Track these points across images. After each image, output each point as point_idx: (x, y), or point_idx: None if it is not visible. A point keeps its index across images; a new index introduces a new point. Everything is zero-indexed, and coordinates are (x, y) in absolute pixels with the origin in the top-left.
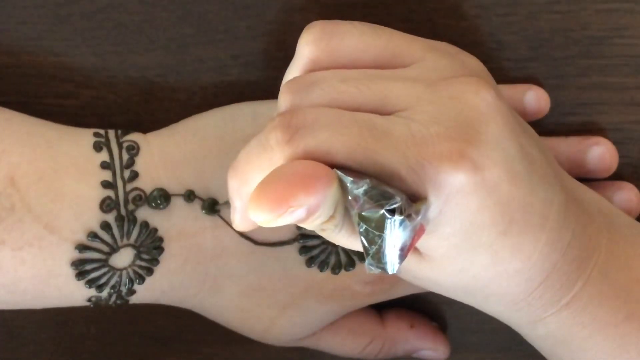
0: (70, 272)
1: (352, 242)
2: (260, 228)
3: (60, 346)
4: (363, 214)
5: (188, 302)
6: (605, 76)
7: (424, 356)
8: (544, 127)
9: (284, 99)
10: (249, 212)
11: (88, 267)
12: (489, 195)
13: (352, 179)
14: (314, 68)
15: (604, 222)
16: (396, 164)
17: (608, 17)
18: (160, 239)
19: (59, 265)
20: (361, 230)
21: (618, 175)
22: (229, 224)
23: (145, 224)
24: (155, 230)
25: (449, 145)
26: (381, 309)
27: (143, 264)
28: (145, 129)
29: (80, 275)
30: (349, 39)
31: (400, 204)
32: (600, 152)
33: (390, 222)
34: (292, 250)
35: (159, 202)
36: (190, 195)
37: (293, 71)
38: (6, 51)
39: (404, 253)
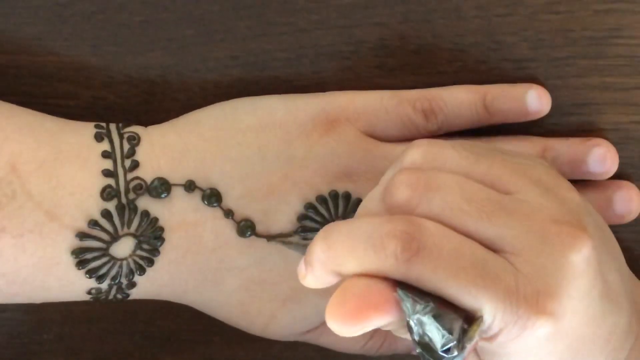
0: (71, 261)
1: (402, 334)
2: (262, 221)
3: (60, 346)
4: (420, 340)
5: (188, 296)
6: (605, 76)
7: None
8: (544, 127)
9: (403, 190)
10: (327, 320)
11: (88, 255)
12: (561, 340)
13: (414, 299)
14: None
15: None
16: (491, 313)
17: (608, 17)
18: (161, 229)
19: (59, 253)
20: (418, 351)
21: (618, 175)
22: (229, 217)
23: (145, 213)
24: (156, 219)
25: (543, 301)
26: None
27: (144, 254)
28: None
29: (80, 264)
30: (450, 164)
31: (455, 343)
32: (600, 154)
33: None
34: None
35: (159, 191)
36: (190, 185)
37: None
38: (6, 51)
39: None
